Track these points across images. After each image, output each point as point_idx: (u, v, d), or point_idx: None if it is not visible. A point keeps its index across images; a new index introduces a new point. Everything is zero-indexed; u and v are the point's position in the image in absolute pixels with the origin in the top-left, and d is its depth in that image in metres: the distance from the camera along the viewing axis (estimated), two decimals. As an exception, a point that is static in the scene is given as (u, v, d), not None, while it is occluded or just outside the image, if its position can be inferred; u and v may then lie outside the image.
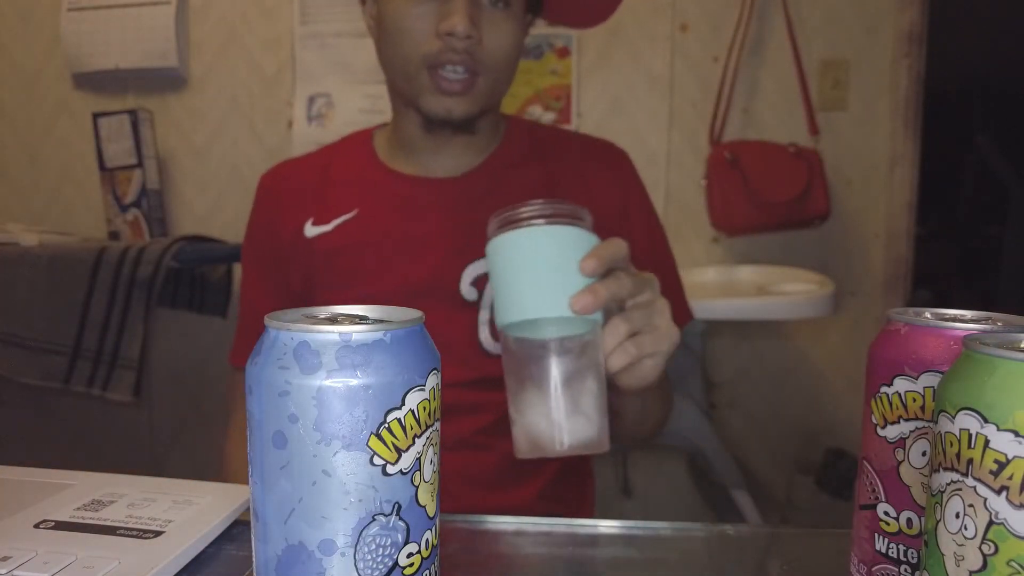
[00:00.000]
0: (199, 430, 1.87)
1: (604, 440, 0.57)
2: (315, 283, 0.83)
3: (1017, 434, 0.24)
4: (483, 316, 0.80)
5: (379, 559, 0.29)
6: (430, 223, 0.82)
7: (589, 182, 0.86)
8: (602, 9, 0.89)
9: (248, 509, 0.46)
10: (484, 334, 0.80)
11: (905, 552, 0.34)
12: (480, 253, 0.80)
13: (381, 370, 0.28)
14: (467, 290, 0.80)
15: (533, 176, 0.85)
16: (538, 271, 0.55)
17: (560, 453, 0.55)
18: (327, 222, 0.83)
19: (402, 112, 0.83)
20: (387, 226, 0.82)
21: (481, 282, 0.80)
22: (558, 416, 0.55)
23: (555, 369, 0.55)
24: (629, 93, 1.77)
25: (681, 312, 0.90)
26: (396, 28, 0.75)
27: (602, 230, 0.85)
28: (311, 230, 0.83)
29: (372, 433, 0.28)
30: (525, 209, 0.56)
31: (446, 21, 0.72)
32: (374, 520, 0.29)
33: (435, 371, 0.31)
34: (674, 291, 0.91)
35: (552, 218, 0.56)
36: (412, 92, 0.77)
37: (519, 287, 0.55)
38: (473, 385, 0.80)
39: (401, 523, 0.29)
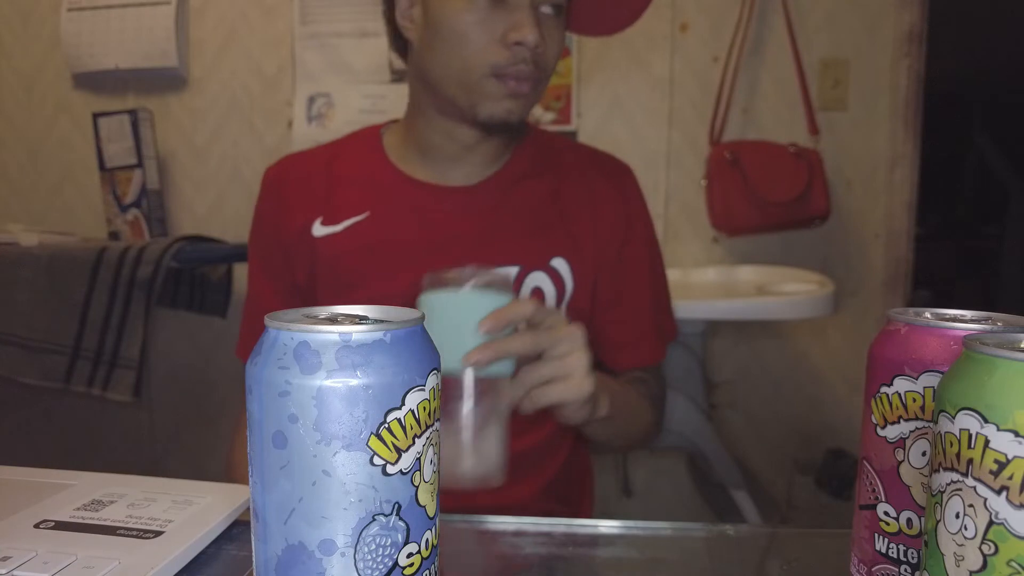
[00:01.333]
0: (199, 430, 1.87)
1: (496, 477, 0.62)
2: (320, 282, 0.83)
3: (1017, 434, 0.24)
4: None
5: (379, 559, 0.29)
6: (441, 230, 0.82)
7: (594, 195, 0.86)
8: (621, 20, 0.89)
9: (248, 509, 0.46)
10: None
11: (905, 552, 0.34)
12: (489, 261, 0.80)
13: (381, 370, 0.28)
14: None
15: (541, 189, 0.85)
16: (445, 331, 0.63)
17: (454, 485, 0.60)
18: (337, 222, 0.83)
19: (430, 119, 0.82)
20: (398, 231, 0.82)
21: None
22: (454, 452, 0.60)
23: (461, 406, 0.61)
24: (629, 93, 1.77)
25: (669, 327, 0.93)
26: (456, 36, 0.74)
27: (606, 242, 0.85)
28: (320, 229, 0.83)
29: (372, 433, 0.28)
30: (451, 274, 0.63)
31: (517, 32, 0.72)
32: (374, 520, 0.29)
33: (435, 371, 0.31)
34: (664, 307, 0.93)
35: (473, 283, 0.63)
36: (471, 99, 0.76)
37: (437, 342, 0.62)
38: None
39: (401, 523, 0.29)
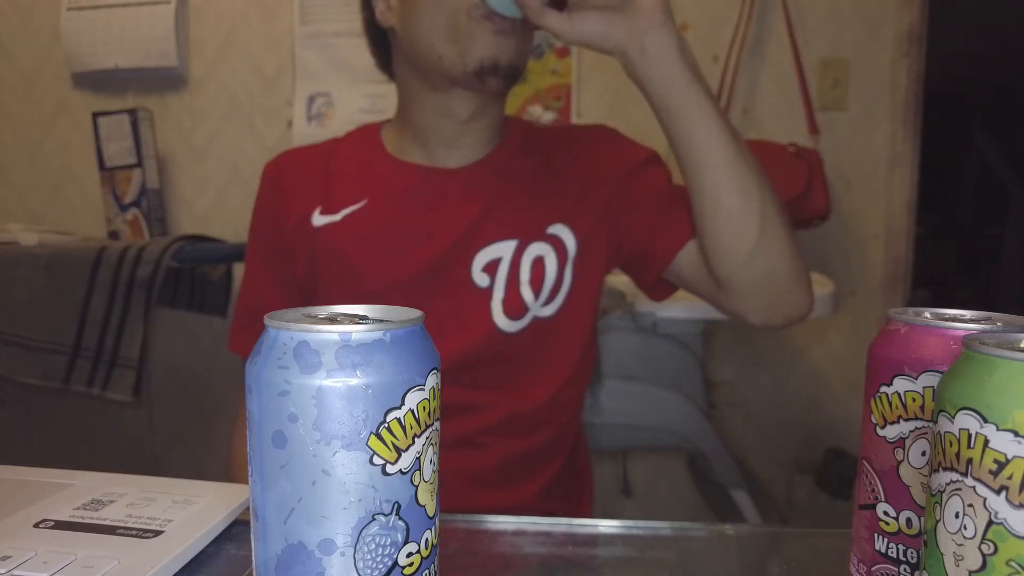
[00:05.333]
0: (199, 430, 1.87)
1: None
2: (322, 272, 0.83)
3: (1016, 434, 0.24)
4: (497, 296, 0.80)
5: (379, 559, 0.29)
6: (439, 212, 0.82)
7: (581, 165, 0.86)
8: None
9: (248, 509, 0.46)
10: (498, 314, 0.80)
11: (905, 552, 0.35)
12: (488, 239, 0.80)
13: (381, 370, 0.28)
14: (479, 276, 0.80)
15: (533, 165, 0.86)
16: None
17: None
18: (335, 212, 0.83)
19: (423, 102, 0.82)
20: (397, 216, 0.83)
21: (491, 267, 0.80)
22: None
23: None
24: (629, 92, 1.76)
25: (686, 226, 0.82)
26: None
27: (610, 193, 0.83)
28: (319, 219, 0.83)
29: (372, 433, 0.28)
30: None
31: None
32: (374, 520, 0.29)
33: (435, 371, 0.31)
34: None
35: None
36: (461, 49, 0.76)
37: None
38: (478, 385, 0.81)
39: (401, 523, 0.29)
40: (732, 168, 0.72)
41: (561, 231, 0.82)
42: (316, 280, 0.84)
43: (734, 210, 0.73)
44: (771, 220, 0.74)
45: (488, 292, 0.80)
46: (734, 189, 0.72)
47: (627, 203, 0.84)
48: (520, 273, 0.81)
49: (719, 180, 0.72)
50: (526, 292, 0.81)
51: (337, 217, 0.83)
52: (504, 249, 0.81)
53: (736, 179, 0.72)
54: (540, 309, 0.82)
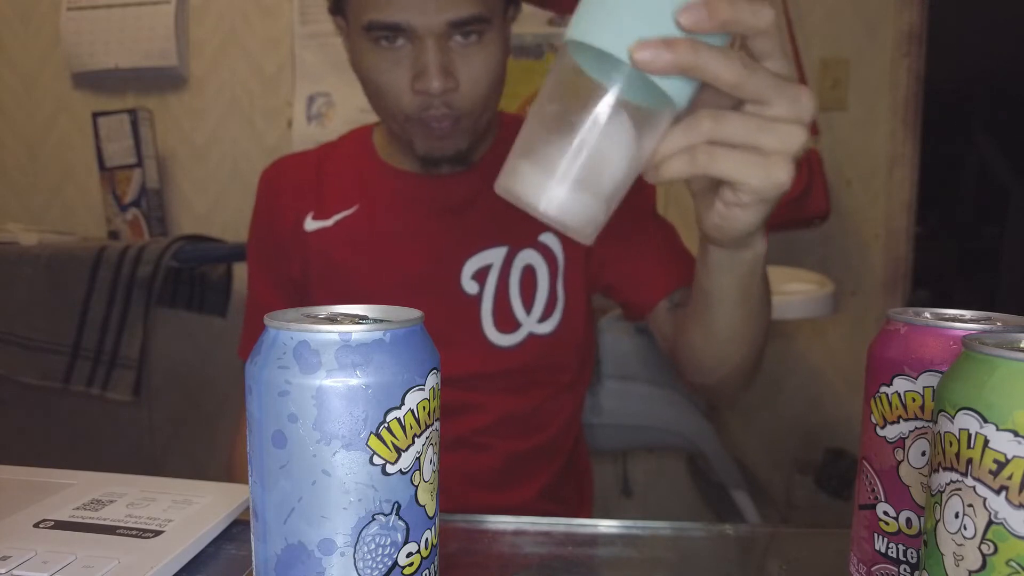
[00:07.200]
0: (199, 430, 1.87)
1: (589, 231, 0.45)
2: (313, 276, 0.84)
3: (1016, 434, 0.24)
4: (485, 306, 0.80)
5: (379, 558, 0.29)
6: (429, 218, 0.82)
7: None
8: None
9: (248, 509, 0.46)
10: (488, 326, 0.80)
11: (904, 552, 0.35)
12: (479, 247, 0.80)
13: (381, 370, 0.28)
14: (468, 284, 0.80)
15: None
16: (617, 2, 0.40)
17: (530, 210, 0.45)
18: (327, 217, 0.84)
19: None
20: (387, 222, 0.83)
21: (481, 275, 0.80)
22: (554, 176, 0.43)
23: (591, 123, 0.41)
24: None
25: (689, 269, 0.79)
26: (371, 82, 0.74)
27: None
28: (311, 224, 0.84)
29: (372, 433, 0.28)
30: None
31: (420, 81, 0.69)
32: (374, 520, 0.29)
33: (435, 371, 0.31)
34: (678, 249, 0.86)
35: None
36: (407, 136, 0.76)
37: (595, 3, 0.41)
38: (475, 385, 0.80)
39: (400, 523, 0.29)
40: (747, 328, 0.65)
41: (551, 241, 0.82)
42: (309, 285, 0.84)
43: (731, 351, 0.67)
44: (759, 344, 0.68)
45: (477, 300, 0.80)
46: (742, 342, 0.66)
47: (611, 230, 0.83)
48: (509, 281, 0.80)
49: (730, 334, 0.65)
50: (516, 305, 0.80)
51: (329, 222, 0.83)
52: (494, 256, 0.80)
53: (749, 333, 0.66)
54: (536, 326, 0.81)
